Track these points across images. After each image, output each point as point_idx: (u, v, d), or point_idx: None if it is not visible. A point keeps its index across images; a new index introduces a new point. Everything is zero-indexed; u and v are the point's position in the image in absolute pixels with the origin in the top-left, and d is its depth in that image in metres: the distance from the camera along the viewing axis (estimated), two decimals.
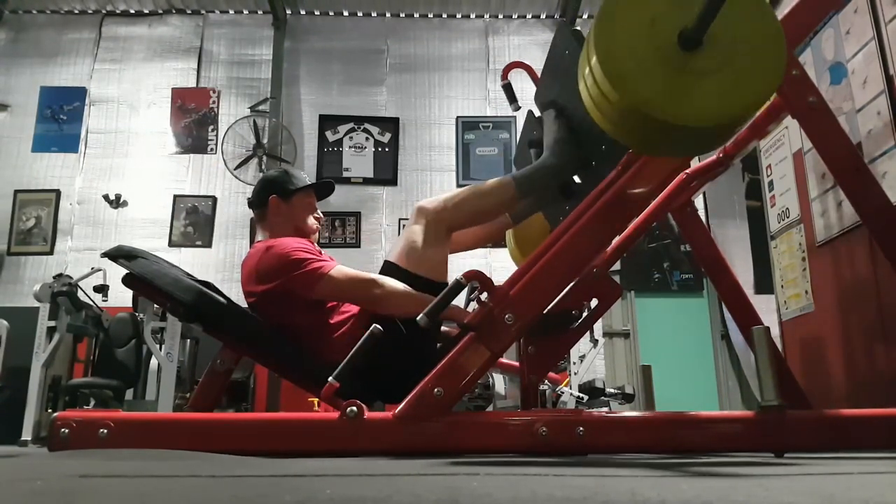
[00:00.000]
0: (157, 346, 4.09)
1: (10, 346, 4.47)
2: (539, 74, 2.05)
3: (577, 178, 1.84)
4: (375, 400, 1.81)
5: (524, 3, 6.60)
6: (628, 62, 1.08)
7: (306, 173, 2.11)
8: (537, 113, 2.03)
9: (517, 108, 2.20)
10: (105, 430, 1.23)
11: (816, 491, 0.67)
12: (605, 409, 3.12)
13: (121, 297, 4.40)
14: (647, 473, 0.88)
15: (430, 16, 6.77)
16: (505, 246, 2.31)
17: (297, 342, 1.77)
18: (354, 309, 1.81)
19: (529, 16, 6.72)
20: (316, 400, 4.09)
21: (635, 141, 1.20)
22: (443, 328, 1.94)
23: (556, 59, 1.89)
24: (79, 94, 6.37)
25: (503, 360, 2.39)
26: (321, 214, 2.04)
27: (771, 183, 2.81)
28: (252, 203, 1.99)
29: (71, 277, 4.46)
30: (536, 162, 1.83)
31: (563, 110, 1.84)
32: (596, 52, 1.09)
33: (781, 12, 1.65)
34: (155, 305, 4.01)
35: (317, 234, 2.02)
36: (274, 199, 1.92)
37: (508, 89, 2.19)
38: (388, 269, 1.75)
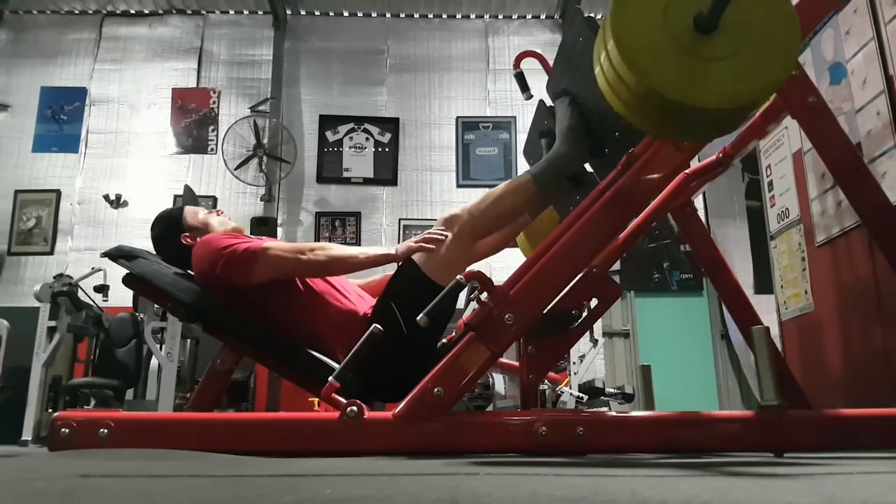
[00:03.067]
0: (158, 345, 4.09)
1: (10, 346, 4.47)
2: (550, 64, 2.04)
3: (588, 168, 1.82)
4: (375, 400, 1.81)
5: (524, 3, 6.60)
6: (645, 46, 1.09)
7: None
8: (549, 102, 2.02)
9: (529, 97, 2.18)
10: (105, 430, 1.23)
11: (816, 491, 0.67)
12: (605, 408, 3.12)
13: (121, 297, 4.40)
14: (647, 473, 0.88)
15: (430, 16, 6.77)
16: (514, 245, 2.29)
17: (297, 343, 1.77)
18: (348, 303, 1.80)
19: (529, 16, 6.72)
20: (316, 400, 4.09)
21: (652, 125, 1.21)
22: (419, 318, 1.92)
23: (569, 46, 1.87)
24: (79, 94, 6.37)
25: (503, 360, 2.39)
26: (211, 211, 2.00)
27: (770, 183, 2.81)
28: (173, 258, 1.90)
29: (71, 277, 4.46)
30: (549, 153, 1.81)
31: (576, 98, 1.83)
32: (612, 36, 1.10)
33: None
34: (155, 305, 4.01)
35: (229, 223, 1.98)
36: (185, 237, 1.89)
37: (521, 78, 2.18)
38: (407, 265, 1.75)
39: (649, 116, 1.15)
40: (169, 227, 1.92)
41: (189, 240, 1.88)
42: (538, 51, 2.19)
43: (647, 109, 1.13)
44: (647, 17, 1.11)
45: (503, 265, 5.40)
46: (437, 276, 1.69)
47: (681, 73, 1.08)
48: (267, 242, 1.75)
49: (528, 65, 2.19)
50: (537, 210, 1.99)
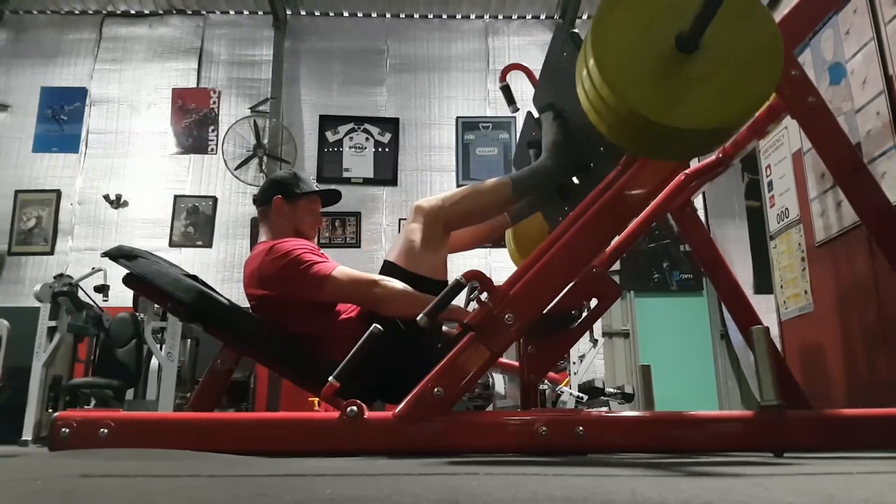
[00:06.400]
0: (158, 345, 4.09)
1: (10, 346, 4.47)
2: (537, 76, 2.05)
3: (575, 180, 1.84)
4: (375, 400, 1.81)
5: (524, 3, 6.60)
6: (625, 66, 1.08)
7: (308, 174, 2.11)
8: (536, 114, 2.03)
9: (515, 110, 2.21)
10: (105, 430, 1.23)
11: (816, 491, 0.67)
12: (605, 408, 3.12)
13: (121, 297, 4.41)
14: (646, 473, 0.88)
15: (430, 16, 6.77)
16: (504, 246, 2.31)
17: (297, 343, 1.77)
18: (353, 312, 1.81)
19: (529, 16, 6.71)
20: (316, 400, 4.09)
21: (632, 144, 1.20)
22: (444, 328, 1.94)
23: (554, 61, 1.89)
24: (79, 94, 6.37)
25: (503, 359, 2.39)
26: (321, 221, 2.06)
27: (770, 183, 2.81)
28: (257, 200, 1.98)
29: (71, 277, 4.46)
30: (534, 163, 1.83)
31: (561, 112, 1.84)
32: (593, 55, 1.09)
33: (781, 12, 1.65)
34: (155, 305, 4.01)
35: (315, 238, 2.03)
36: (278, 200, 1.92)
37: (507, 91, 2.20)
38: (388, 268, 1.75)
39: (628, 136, 1.14)
40: (281, 185, 1.96)
41: (278, 204, 1.91)
42: (538, 51, 2.21)
43: (627, 129, 1.12)
44: (628, 36, 1.09)
45: (503, 265, 5.42)
46: (418, 268, 1.71)
47: (662, 93, 1.07)
48: (339, 268, 1.74)
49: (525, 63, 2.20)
50: (518, 215, 2.01)
